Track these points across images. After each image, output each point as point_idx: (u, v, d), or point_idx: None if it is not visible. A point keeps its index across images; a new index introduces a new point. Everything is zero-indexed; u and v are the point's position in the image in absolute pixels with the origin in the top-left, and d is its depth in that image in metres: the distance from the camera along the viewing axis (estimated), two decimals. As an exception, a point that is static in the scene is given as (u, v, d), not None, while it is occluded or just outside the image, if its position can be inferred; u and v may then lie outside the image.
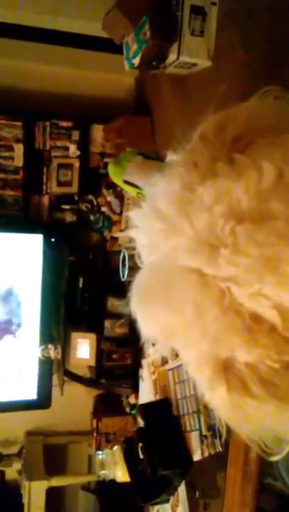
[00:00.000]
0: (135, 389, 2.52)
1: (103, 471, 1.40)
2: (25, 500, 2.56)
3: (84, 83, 2.47)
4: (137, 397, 2.51)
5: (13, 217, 2.53)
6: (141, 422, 1.41)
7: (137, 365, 2.55)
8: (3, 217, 2.52)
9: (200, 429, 1.19)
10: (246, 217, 0.64)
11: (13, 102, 2.41)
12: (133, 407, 2.62)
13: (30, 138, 2.43)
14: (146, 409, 1.37)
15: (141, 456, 1.28)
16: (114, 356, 2.70)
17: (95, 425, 2.78)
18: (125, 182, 1.07)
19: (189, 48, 1.89)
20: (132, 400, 2.61)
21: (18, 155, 2.41)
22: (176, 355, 1.40)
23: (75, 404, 2.81)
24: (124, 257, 1.24)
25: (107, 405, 2.82)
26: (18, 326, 2.56)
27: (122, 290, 2.74)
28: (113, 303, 2.68)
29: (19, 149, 2.40)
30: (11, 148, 2.40)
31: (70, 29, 2.23)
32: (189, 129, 0.80)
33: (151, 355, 1.57)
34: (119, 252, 2.59)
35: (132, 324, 2.71)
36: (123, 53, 2.06)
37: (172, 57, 1.90)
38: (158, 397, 1.47)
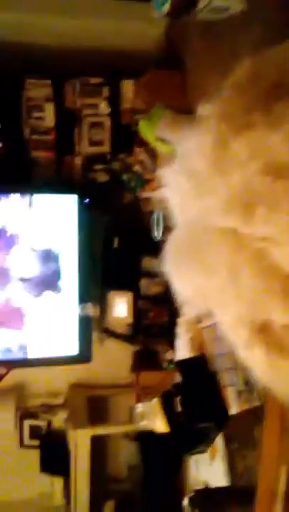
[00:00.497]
0: (172, 345, 2.58)
1: (142, 423, 1.47)
2: (71, 448, 2.73)
3: (111, 35, 2.37)
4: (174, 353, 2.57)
5: (47, 179, 2.54)
6: (178, 378, 1.45)
7: (173, 323, 2.60)
8: (37, 179, 2.54)
9: (236, 385, 1.21)
10: (286, 171, 0.60)
11: (41, 61, 2.35)
12: (170, 362, 2.69)
13: (60, 97, 2.40)
14: (183, 365, 1.41)
15: (179, 409, 1.33)
16: (151, 314, 2.75)
17: (134, 379, 2.89)
18: (157, 139, 1.04)
19: (222, -10, 1.76)
20: (169, 355, 2.68)
21: (50, 115, 2.39)
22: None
23: (115, 359, 2.92)
24: (158, 216, 1.23)
25: (146, 361, 2.90)
26: (58, 283, 2.63)
27: (156, 249, 2.76)
28: (148, 262, 2.70)
29: (50, 109, 2.38)
30: (41, 109, 2.38)
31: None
32: (221, 78, 0.75)
33: (187, 313, 1.59)
34: (153, 211, 2.59)
35: (167, 283, 2.73)
36: (151, 0, 1.95)
37: (203, 1, 1.79)
38: (194, 354, 1.50)
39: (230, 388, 1.26)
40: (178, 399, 1.34)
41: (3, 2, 2.14)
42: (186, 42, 2.34)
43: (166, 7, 1.82)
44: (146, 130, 1.06)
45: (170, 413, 1.40)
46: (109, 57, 2.40)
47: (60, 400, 2.98)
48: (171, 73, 2.41)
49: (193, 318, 1.53)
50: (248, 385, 1.18)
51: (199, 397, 1.32)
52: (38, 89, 2.34)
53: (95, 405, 2.98)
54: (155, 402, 1.45)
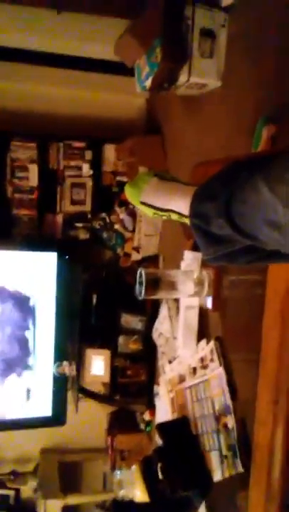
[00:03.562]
0: (150, 406, 2.51)
1: (122, 491, 1.40)
2: (41, 519, 2.55)
3: (96, 104, 2.53)
4: (151, 414, 2.50)
5: (27, 236, 2.57)
6: (159, 441, 1.41)
7: (151, 382, 2.56)
8: (18, 237, 2.56)
9: (220, 449, 1.19)
10: None
11: (27, 124, 2.47)
12: (148, 423, 2.61)
13: (44, 158, 2.49)
14: (165, 428, 1.38)
15: (160, 476, 1.28)
16: (129, 372, 2.70)
17: (109, 442, 2.78)
18: (142, 203, 1.09)
19: (199, 70, 1.93)
20: (146, 416, 2.61)
21: (33, 175, 2.46)
22: (194, 373, 1.40)
23: (89, 421, 2.81)
24: (141, 275, 1.25)
25: (122, 422, 2.81)
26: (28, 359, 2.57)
27: (135, 306, 2.78)
28: (127, 319, 2.69)
29: (34, 170, 2.46)
30: (25, 169, 2.45)
31: (82, 54, 2.29)
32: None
33: (168, 373, 1.58)
34: (133, 268, 2.63)
35: (145, 340, 2.72)
36: (134, 75, 2.11)
37: (183, 78, 1.95)
38: (176, 416, 1.48)
39: (213, 453, 1.24)
40: (159, 466, 1.30)
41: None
42: (166, 113, 2.51)
43: (148, 83, 1.97)
44: (131, 194, 1.10)
45: (150, 481, 1.35)
46: (93, 124, 2.54)
47: (30, 467, 2.82)
48: (151, 138, 2.56)
49: (176, 376, 1.52)
50: (232, 450, 1.16)
51: (181, 463, 1.28)
52: (23, 151, 2.43)
53: (67, 472, 2.83)
54: (134, 469, 1.40)
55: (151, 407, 2.42)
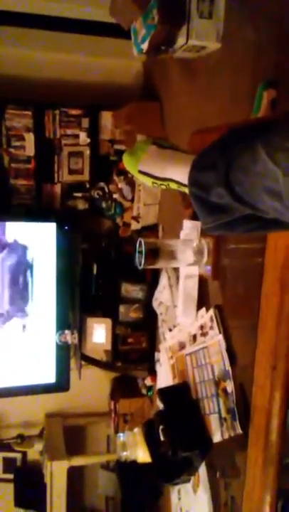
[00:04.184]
0: (151, 371, 2.58)
1: (125, 453, 1.46)
2: (47, 480, 2.66)
3: (92, 70, 2.46)
4: (152, 380, 2.57)
5: (26, 207, 2.56)
6: (160, 405, 1.45)
7: (152, 349, 2.61)
8: (16, 207, 2.54)
9: (219, 412, 1.23)
10: None
11: (22, 92, 2.41)
12: (149, 388, 2.69)
13: (40, 127, 2.44)
14: (165, 393, 1.41)
15: (162, 439, 1.33)
16: (130, 340, 2.75)
17: (112, 407, 2.87)
18: (140, 172, 1.08)
19: (198, 31, 1.86)
20: (147, 382, 2.68)
21: (29, 144, 2.42)
22: (194, 340, 1.43)
23: (92, 386, 2.89)
24: (140, 244, 1.26)
25: (124, 387, 2.89)
26: (25, 307, 2.60)
27: (135, 276, 2.81)
28: (127, 288, 2.72)
29: (30, 139, 2.41)
30: (21, 138, 2.41)
31: (76, 15, 2.20)
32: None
33: (168, 340, 1.61)
34: (132, 238, 2.63)
35: (146, 309, 2.74)
36: (130, 38, 2.04)
37: (181, 40, 1.88)
38: (176, 381, 1.52)
39: (212, 416, 1.28)
40: (160, 428, 1.34)
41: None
42: (164, 77, 2.45)
43: (145, 46, 1.91)
44: (129, 163, 1.09)
45: (152, 442, 1.40)
46: (89, 90, 2.48)
47: (35, 431, 2.92)
48: (149, 105, 2.51)
49: (176, 344, 1.55)
50: (231, 413, 1.20)
51: (182, 426, 1.32)
52: (18, 119, 2.38)
53: (72, 435, 2.93)
54: (137, 432, 1.45)
55: (153, 372, 2.48)
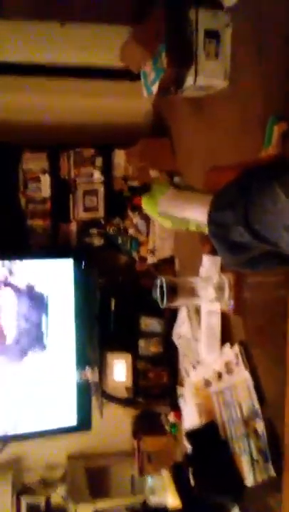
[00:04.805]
0: (173, 407, 2.52)
1: (154, 498, 1.41)
2: (72, 525, 2.57)
3: (103, 111, 2.54)
4: (176, 416, 2.51)
5: (43, 245, 2.59)
6: (188, 446, 1.41)
7: (173, 383, 2.56)
8: (33, 246, 2.58)
9: (250, 453, 1.19)
10: None
11: (37, 136, 2.49)
12: (173, 425, 2.62)
13: (55, 168, 2.50)
14: (193, 435, 1.38)
15: (192, 482, 1.29)
16: (150, 375, 2.71)
17: (136, 445, 2.79)
18: (160, 214, 1.10)
19: (205, 72, 1.91)
20: (171, 418, 2.61)
21: (45, 185, 2.48)
22: (220, 378, 1.41)
23: (114, 425, 2.83)
24: (161, 283, 1.26)
25: (147, 425, 2.82)
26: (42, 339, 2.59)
27: (153, 309, 2.79)
28: (146, 322, 2.70)
29: (46, 180, 2.48)
30: (38, 180, 2.47)
31: (87, 62, 2.30)
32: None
33: (193, 376, 1.58)
34: (149, 271, 2.63)
35: (165, 343, 2.70)
36: (139, 79, 2.11)
37: (189, 81, 1.94)
38: (203, 420, 1.48)
39: (243, 458, 1.24)
40: (190, 471, 1.31)
41: (6, 85, 2.30)
42: (173, 115, 2.51)
43: (155, 88, 1.97)
44: (149, 206, 1.11)
45: (182, 487, 1.36)
46: (102, 130, 2.55)
47: (58, 474, 2.85)
48: (160, 141, 2.56)
49: (201, 381, 1.52)
50: (263, 454, 1.16)
51: (212, 469, 1.28)
52: (34, 162, 2.45)
53: (95, 477, 2.85)
54: (165, 476, 1.41)
55: (176, 408, 2.43)
